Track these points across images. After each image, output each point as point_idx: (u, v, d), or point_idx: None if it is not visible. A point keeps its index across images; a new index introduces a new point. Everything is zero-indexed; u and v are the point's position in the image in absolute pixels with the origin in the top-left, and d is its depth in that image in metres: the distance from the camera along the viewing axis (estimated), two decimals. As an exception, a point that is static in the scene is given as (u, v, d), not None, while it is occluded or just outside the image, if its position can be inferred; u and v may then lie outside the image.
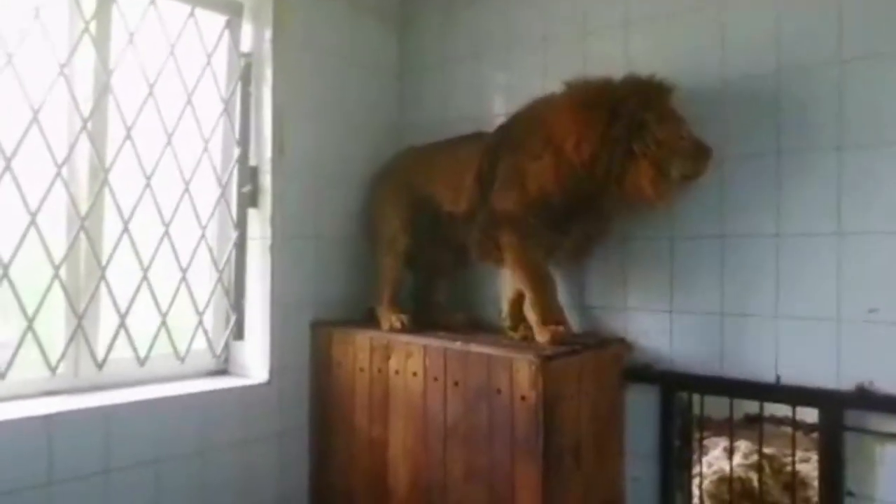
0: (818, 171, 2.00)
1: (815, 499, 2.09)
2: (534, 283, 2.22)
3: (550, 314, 2.19)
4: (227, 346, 2.59)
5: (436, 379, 2.23)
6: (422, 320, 2.53)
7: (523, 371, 2.01)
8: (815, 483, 2.10)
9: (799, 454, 2.25)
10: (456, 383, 2.18)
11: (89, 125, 2.17)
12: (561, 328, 2.15)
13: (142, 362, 2.29)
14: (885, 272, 1.89)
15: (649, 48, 2.32)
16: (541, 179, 2.14)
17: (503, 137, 2.34)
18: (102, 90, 2.21)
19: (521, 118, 2.31)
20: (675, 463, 2.23)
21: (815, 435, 2.27)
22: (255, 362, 2.54)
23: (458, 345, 2.19)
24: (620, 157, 1.98)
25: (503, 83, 2.71)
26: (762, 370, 2.07)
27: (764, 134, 2.09)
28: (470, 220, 2.37)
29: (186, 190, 2.40)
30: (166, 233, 2.34)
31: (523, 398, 2.01)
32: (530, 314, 2.23)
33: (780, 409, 2.44)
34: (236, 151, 2.56)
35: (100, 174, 2.20)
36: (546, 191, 2.14)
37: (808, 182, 2.01)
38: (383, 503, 2.37)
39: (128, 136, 2.24)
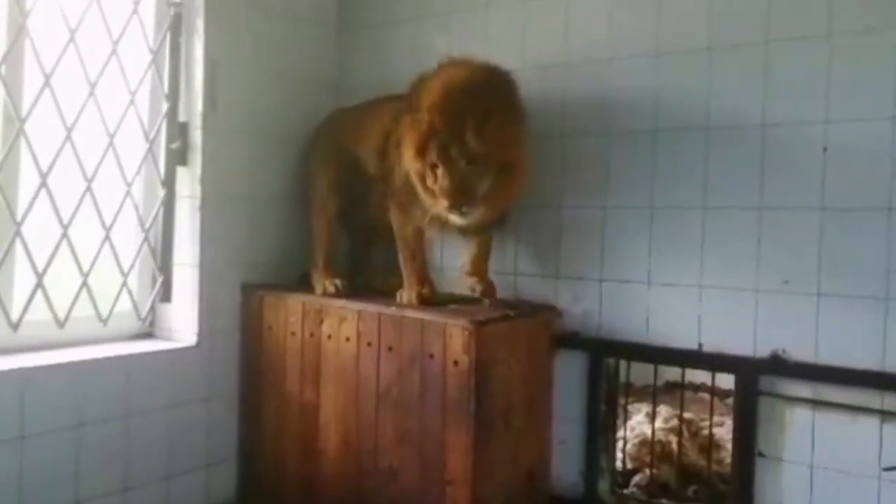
0: (743, 147, 2.07)
1: (728, 460, 2.22)
2: (407, 252, 2.31)
3: (416, 278, 2.29)
4: (153, 309, 2.51)
5: (369, 344, 2.23)
6: (358, 284, 2.52)
7: (456, 336, 2.03)
8: (729, 445, 2.22)
9: (714, 418, 2.37)
10: (390, 348, 2.18)
11: (3, 69, 2.03)
12: (426, 290, 2.26)
13: (61, 324, 2.19)
14: (798, 245, 1.99)
15: (588, 17, 2.34)
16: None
17: (404, 102, 2.23)
18: (18, 32, 2.06)
19: (418, 86, 2.16)
20: (600, 427, 2.31)
21: (729, 400, 2.40)
22: (182, 325, 2.47)
23: (392, 310, 2.19)
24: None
25: (444, 47, 2.67)
26: (685, 338, 2.16)
27: (694, 110, 2.15)
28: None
29: (111, 144, 2.28)
30: (88, 188, 2.23)
31: (456, 363, 2.03)
32: (404, 274, 2.33)
33: (699, 376, 2.56)
34: (165, 105, 2.45)
35: (15, 123, 2.07)
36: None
37: (734, 158, 2.09)
38: (314, 467, 2.37)
39: (46, 84, 2.10)
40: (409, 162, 2.02)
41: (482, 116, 1.90)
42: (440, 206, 1.97)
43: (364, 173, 2.46)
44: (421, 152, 1.95)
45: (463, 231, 2.24)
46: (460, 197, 1.92)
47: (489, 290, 2.31)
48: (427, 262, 2.40)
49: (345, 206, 2.57)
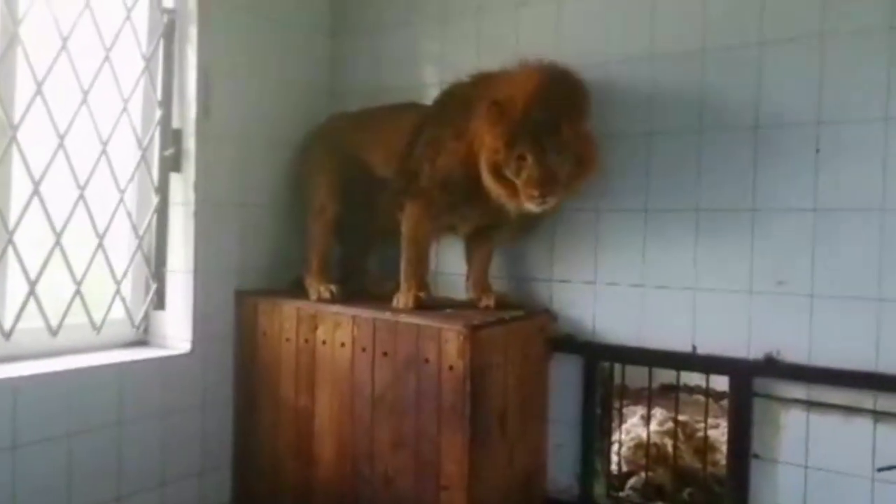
0: (736, 149, 2.08)
1: (724, 462, 2.22)
2: (413, 253, 2.31)
3: (416, 282, 2.29)
4: (146, 316, 2.50)
5: (364, 349, 2.22)
6: (352, 289, 2.52)
7: (452, 341, 2.03)
8: (724, 447, 2.22)
9: (709, 421, 2.37)
10: (385, 353, 2.18)
11: (-5, 78, 2.03)
12: (422, 294, 2.26)
13: (54, 332, 2.18)
14: (791, 247, 2.00)
15: (581, 22, 2.35)
16: (451, 161, 2.16)
17: (437, 107, 2.35)
18: (10, 41, 2.06)
19: (458, 93, 2.28)
20: (596, 430, 2.31)
21: (724, 402, 2.40)
22: (176, 332, 2.46)
23: (387, 315, 2.19)
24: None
25: (436, 52, 2.69)
26: (680, 341, 2.16)
27: (687, 113, 2.16)
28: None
29: (104, 152, 2.28)
30: (81, 196, 2.22)
31: (451, 368, 2.03)
32: (402, 277, 2.32)
33: (693, 379, 2.57)
34: (158, 112, 2.44)
35: (7, 131, 2.06)
36: (452, 172, 2.16)
37: (727, 160, 2.10)
38: (309, 473, 2.36)
39: (38, 92, 2.10)
40: (489, 152, 2.00)
41: (576, 110, 1.97)
42: (525, 195, 1.96)
43: (368, 178, 2.47)
44: (509, 143, 1.95)
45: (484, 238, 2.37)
46: (548, 187, 1.95)
47: (499, 301, 2.33)
48: (428, 268, 2.40)
49: (342, 212, 2.57)
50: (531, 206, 1.99)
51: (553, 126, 1.93)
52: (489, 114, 1.97)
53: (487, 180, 2.03)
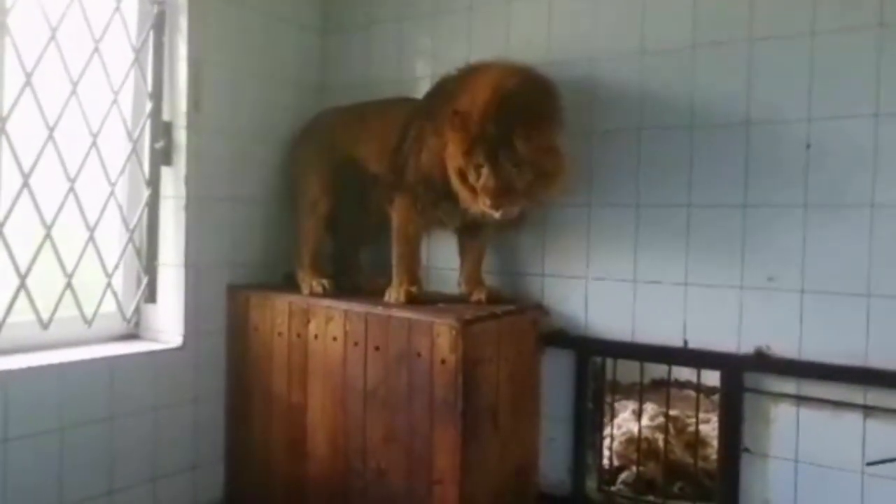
0: (727, 145, 2.09)
1: (714, 456, 2.23)
2: (404, 248, 2.32)
3: (407, 276, 2.29)
4: (138, 310, 2.49)
5: (356, 344, 2.22)
6: (344, 284, 2.51)
7: (444, 335, 2.03)
8: (715, 442, 2.24)
9: (700, 415, 2.38)
10: (377, 348, 2.18)
11: (-17, 69, 2.00)
12: (413, 289, 2.25)
13: (44, 325, 2.17)
14: (782, 243, 2.01)
15: (572, 18, 2.35)
16: (432, 157, 2.17)
17: (424, 102, 2.36)
18: (-2, 31, 2.04)
19: (445, 86, 2.28)
20: (587, 425, 2.32)
21: (715, 397, 2.41)
22: (168, 326, 2.46)
23: (379, 309, 2.18)
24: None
25: (427, 48, 2.69)
26: (671, 336, 2.17)
27: (678, 109, 2.16)
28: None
29: (94, 144, 2.26)
30: (72, 189, 2.21)
31: (443, 362, 2.03)
32: (394, 272, 2.32)
33: (684, 373, 2.58)
34: (148, 105, 2.43)
35: (-5, 123, 2.04)
36: (433, 168, 2.17)
37: (718, 156, 2.10)
38: (301, 468, 2.36)
39: (27, 83, 2.08)
40: (452, 158, 2.03)
41: (531, 124, 1.94)
42: (481, 202, 1.99)
43: (360, 173, 2.47)
44: (468, 152, 1.97)
45: (473, 231, 2.35)
46: (503, 197, 1.97)
47: (492, 296, 2.32)
48: (419, 262, 2.40)
49: (335, 207, 2.56)
50: (489, 213, 2.01)
51: (507, 139, 1.93)
52: (451, 122, 1.99)
53: (454, 183, 2.06)
